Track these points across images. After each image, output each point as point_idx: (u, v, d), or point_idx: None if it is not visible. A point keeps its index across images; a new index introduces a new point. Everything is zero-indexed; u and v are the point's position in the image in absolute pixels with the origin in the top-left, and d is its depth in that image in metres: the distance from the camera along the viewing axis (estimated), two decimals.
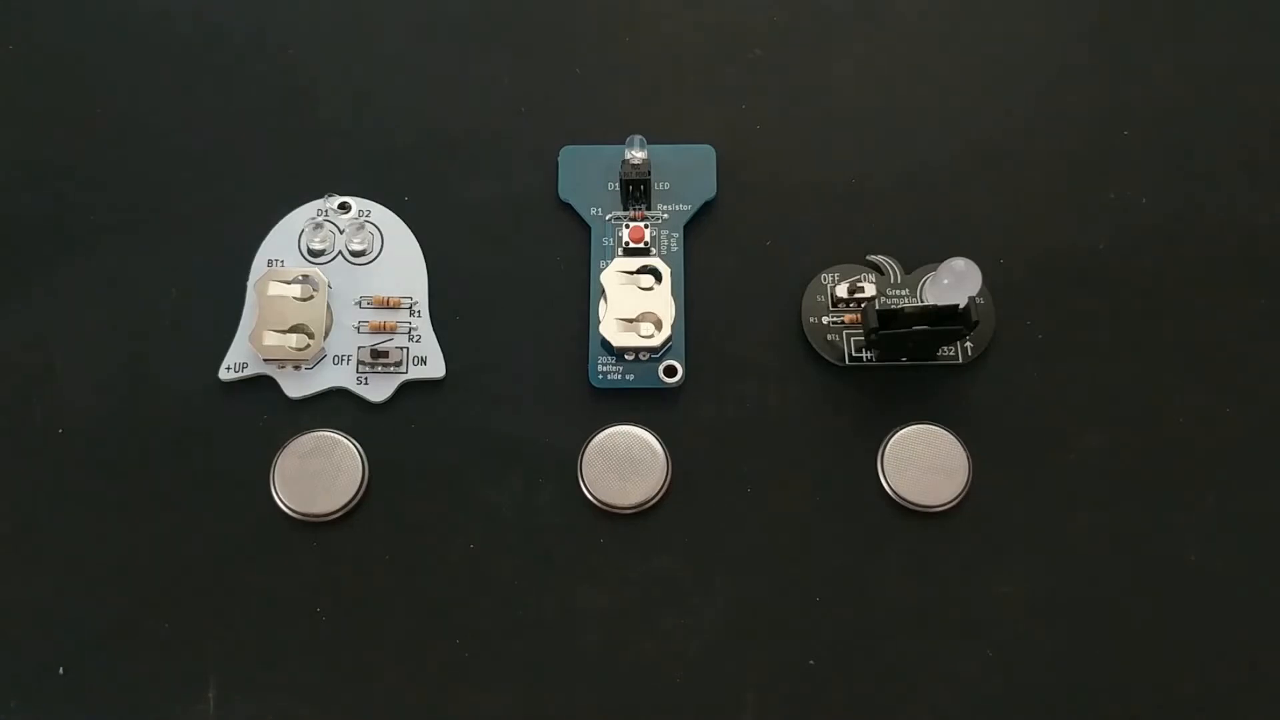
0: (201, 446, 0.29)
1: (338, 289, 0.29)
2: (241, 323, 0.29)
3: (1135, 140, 0.32)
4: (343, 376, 0.29)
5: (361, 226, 0.30)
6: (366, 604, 0.27)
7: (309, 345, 0.28)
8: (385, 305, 0.29)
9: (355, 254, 0.30)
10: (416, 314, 0.29)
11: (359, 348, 0.29)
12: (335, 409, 0.29)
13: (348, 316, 0.29)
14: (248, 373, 0.29)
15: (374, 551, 0.28)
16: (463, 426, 0.29)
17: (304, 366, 0.29)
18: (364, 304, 0.29)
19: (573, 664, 0.27)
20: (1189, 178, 0.31)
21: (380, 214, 0.30)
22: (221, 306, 0.30)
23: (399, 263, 0.30)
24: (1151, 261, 0.30)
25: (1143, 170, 0.31)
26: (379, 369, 0.29)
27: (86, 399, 0.29)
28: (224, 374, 0.29)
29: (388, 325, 0.29)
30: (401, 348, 0.29)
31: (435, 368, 0.29)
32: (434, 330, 0.29)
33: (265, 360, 0.29)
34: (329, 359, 0.29)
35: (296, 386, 0.29)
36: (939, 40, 0.33)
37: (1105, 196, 0.31)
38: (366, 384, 0.29)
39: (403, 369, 0.29)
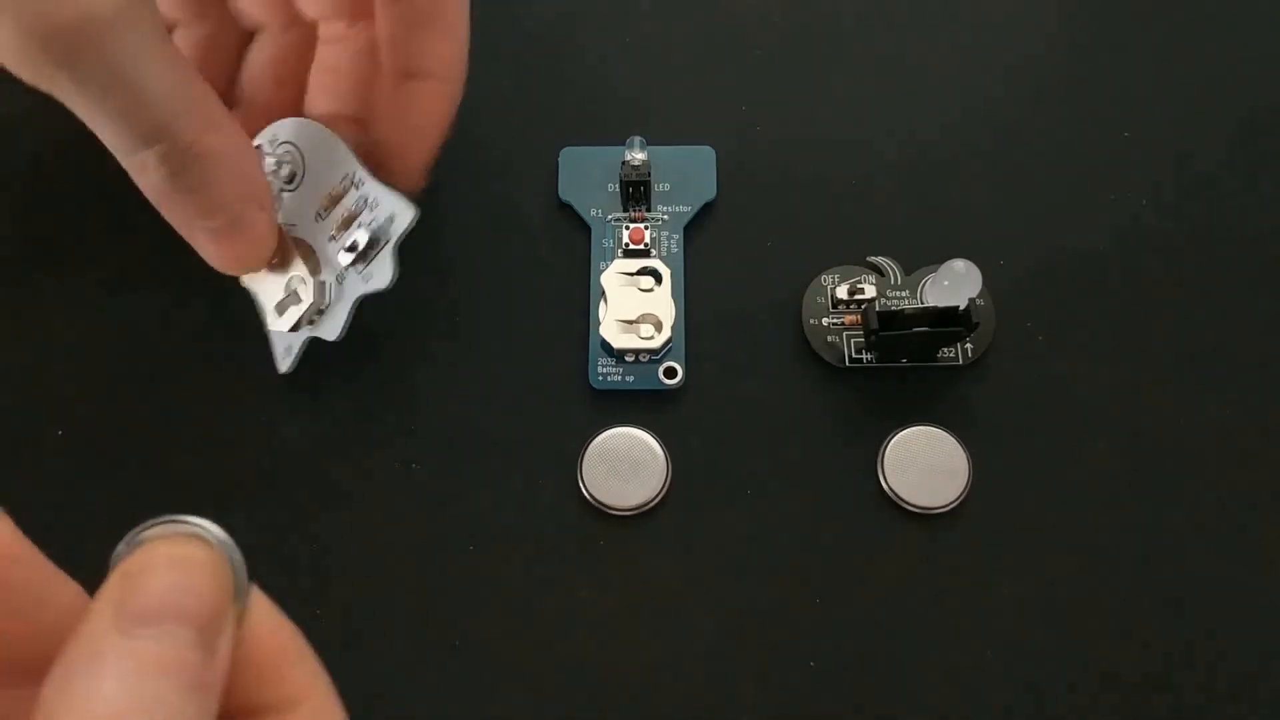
0: (201, 447, 0.29)
1: (301, 223, 0.29)
2: (264, 311, 0.29)
3: (1135, 140, 0.32)
4: (351, 288, 0.28)
5: (279, 156, 0.29)
6: (364, 605, 0.27)
7: (302, 280, 0.28)
8: (334, 200, 0.28)
9: (288, 181, 0.29)
10: (359, 184, 0.28)
11: (340, 251, 0.28)
12: (336, 406, 0.29)
13: (321, 238, 0.28)
14: (296, 348, 0.28)
15: (373, 552, 0.28)
16: (463, 427, 0.29)
17: (322, 305, 0.28)
18: (322, 215, 0.28)
19: (572, 665, 0.27)
20: (1189, 178, 0.31)
21: (289, 129, 0.29)
22: (219, 307, 0.30)
23: (326, 160, 0.28)
24: (1151, 262, 0.30)
25: (1143, 170, 0.31)
26: (368, 256, 0.28)
27: (85, 400, 0.29)
28: (285, 366, 0.29)
29: (348, 216, 0.28)
30: (366, 223, 0.28)
31: (404, 214, 0.27)
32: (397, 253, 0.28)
33: (287, 318, 0.28)
34: (330, 281, 0.28)
35: (331, 327, 0.28)
36: (939, 41, 0.33)
37: (1105, 197, 0.31)
38: (371, 278, 0.28)
39: (383, 239, 0.27)
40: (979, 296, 0.29)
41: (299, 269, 0.28)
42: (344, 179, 0.28)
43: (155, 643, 0.14)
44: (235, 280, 0.30)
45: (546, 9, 0.33)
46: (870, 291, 0.29)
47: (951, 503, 0.28)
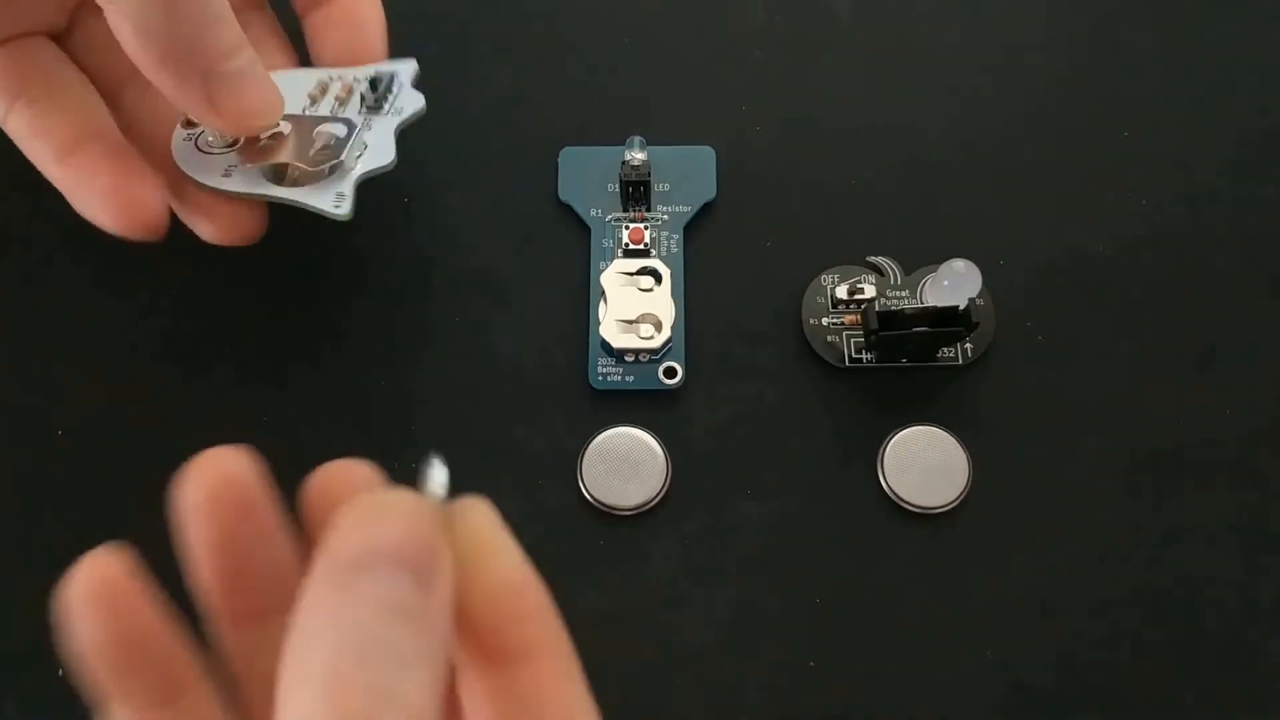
0: (201, 448, 0.29)
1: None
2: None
3: (1135, 140, 0.32)
4: (385, 122, 0.27)
5: None
6: None
7: (331, 126, 0.27)
8: (318, 93, 0.28)
9: None
10: (339, 77, 0.28)
11: (354, 108, 0.27)
12: (336, 407, 0.29)
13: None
14: (349, 191, 0.26)
15: None
16: (463, 427, 0.29)
17: (366, 135, 0.27)
18: (311, 106, 0.27)
19: None
20: (1189, 179, 0.31)
21: None
22: (221, 308, 0.30)
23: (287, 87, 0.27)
24: (1151, 263, 0.30)
25: (1143, 171, 0.31)
26: (383, 99, 0.27)
27: (85, 400, 0.29)
28: (346, 208, 0.26)
29: (341, 95, 0.27)
30: (366, 82, 0.27)
31: (406, 67, 0.28)
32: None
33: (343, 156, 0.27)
34: (359, 121, 0.27)
35: (381, 154, 0.27)
36: (939, 41, 0.33)
37: (1105, 198, 0.31)
38: (402, 110, 0.27)
39: (386, 80, 0.27)
40: (979, 296, 0.29)
41: (323, 125, 0.27)
42: (318, 83, 0.28)
43: (370, 585, 0.15)
44: (237, 281, 0.30)
45: (547, 9, 0.33)
46: (870, 291, 0.29)
47: (951, 503, 0.28)
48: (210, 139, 0.27)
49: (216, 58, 0.23)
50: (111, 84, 0.28)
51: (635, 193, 0.30)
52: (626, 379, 0.29)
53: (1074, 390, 0.29)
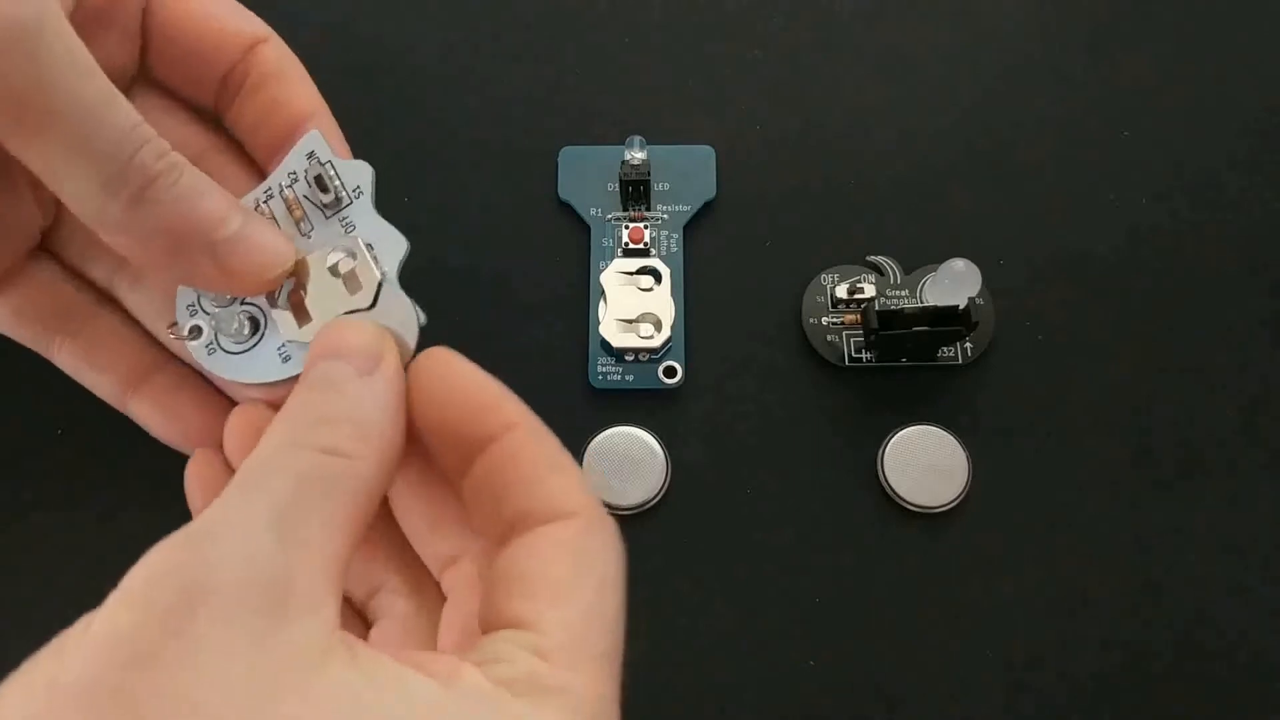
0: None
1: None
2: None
3: (1135, 140, 0.32)
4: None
5: None
6: None
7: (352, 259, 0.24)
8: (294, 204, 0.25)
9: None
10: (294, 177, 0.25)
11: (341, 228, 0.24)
12: None
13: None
14: (411, 305, 0.24)
15: None
16: None
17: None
18: (305, 231, 0.25)
19: None
20: (1189, 178, 0.31)
21: None
22: None
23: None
24: (1151, 262, 0.30)
25: (1143, 171, 0.31)
26: (331, 202, 0.24)
27: (85, 400, 0.29)
28: (423, 318, 0.24)
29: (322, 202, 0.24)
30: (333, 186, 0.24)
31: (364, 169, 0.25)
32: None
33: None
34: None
35: (392, 246, 0.25)
36: (939, 40, 0.33)
37: (1105, 197, 0.31)
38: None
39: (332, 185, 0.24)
40: (979, 296, 0.29)
41: (314, 255, 0.24)
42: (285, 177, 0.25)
43: (318, 371, 0.20)
44: None
45: (547, 8, 0.33)
46: (870, 291, 0.29)
47: (951, 502, 0.28)
48: (226, 331, 0.25)
49: (212, 228, 0.22)
50: (107, 272, 0.27)
51: (635, 192, 0.30)
52: (626, 378, 0.29)
53: (1074, 390, 0.29)
